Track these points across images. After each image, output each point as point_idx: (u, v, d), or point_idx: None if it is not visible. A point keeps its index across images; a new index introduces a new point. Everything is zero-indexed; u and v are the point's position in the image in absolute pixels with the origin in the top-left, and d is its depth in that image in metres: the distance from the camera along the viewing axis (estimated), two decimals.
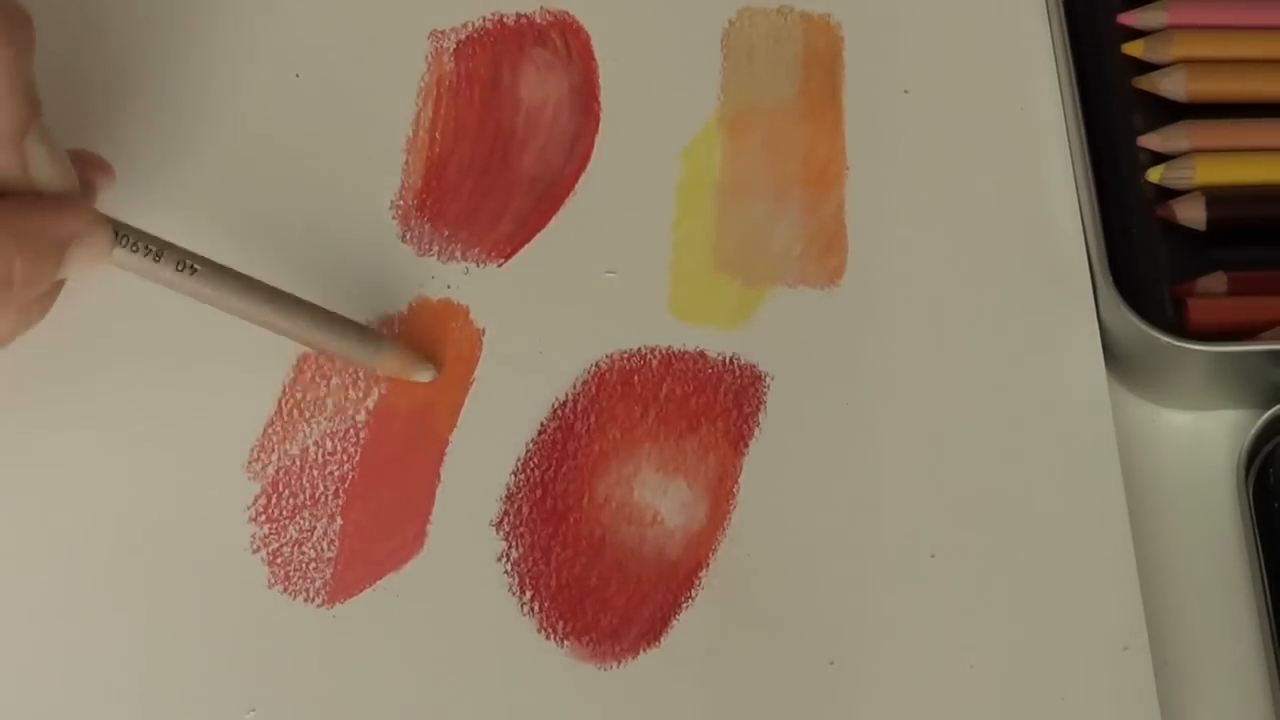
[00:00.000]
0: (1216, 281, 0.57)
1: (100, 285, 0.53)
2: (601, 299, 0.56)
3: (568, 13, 0.60)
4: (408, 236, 0.56)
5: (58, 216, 0.48)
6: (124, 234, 0.50)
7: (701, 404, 0.55)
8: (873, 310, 0.57)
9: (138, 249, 0.50)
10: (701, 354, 0.56)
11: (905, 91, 0.60)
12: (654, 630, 0.52)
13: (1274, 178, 0.58)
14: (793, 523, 0.53)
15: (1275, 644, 0.53)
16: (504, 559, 0.52)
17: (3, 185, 0.47)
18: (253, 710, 0.50)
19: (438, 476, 0.53)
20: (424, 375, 0.54)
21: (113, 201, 0.52)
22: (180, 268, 0.50)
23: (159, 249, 0.50)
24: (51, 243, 0.48)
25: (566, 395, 0.55)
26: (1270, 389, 0.56)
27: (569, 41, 0.60)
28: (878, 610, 0.52)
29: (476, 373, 0.55)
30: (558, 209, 0.57)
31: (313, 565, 0.51)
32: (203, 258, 0.50)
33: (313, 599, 0.51)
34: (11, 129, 0.46)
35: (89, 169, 0.52)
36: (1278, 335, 0.56)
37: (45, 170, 0.48)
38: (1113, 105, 0.61)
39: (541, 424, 0.54)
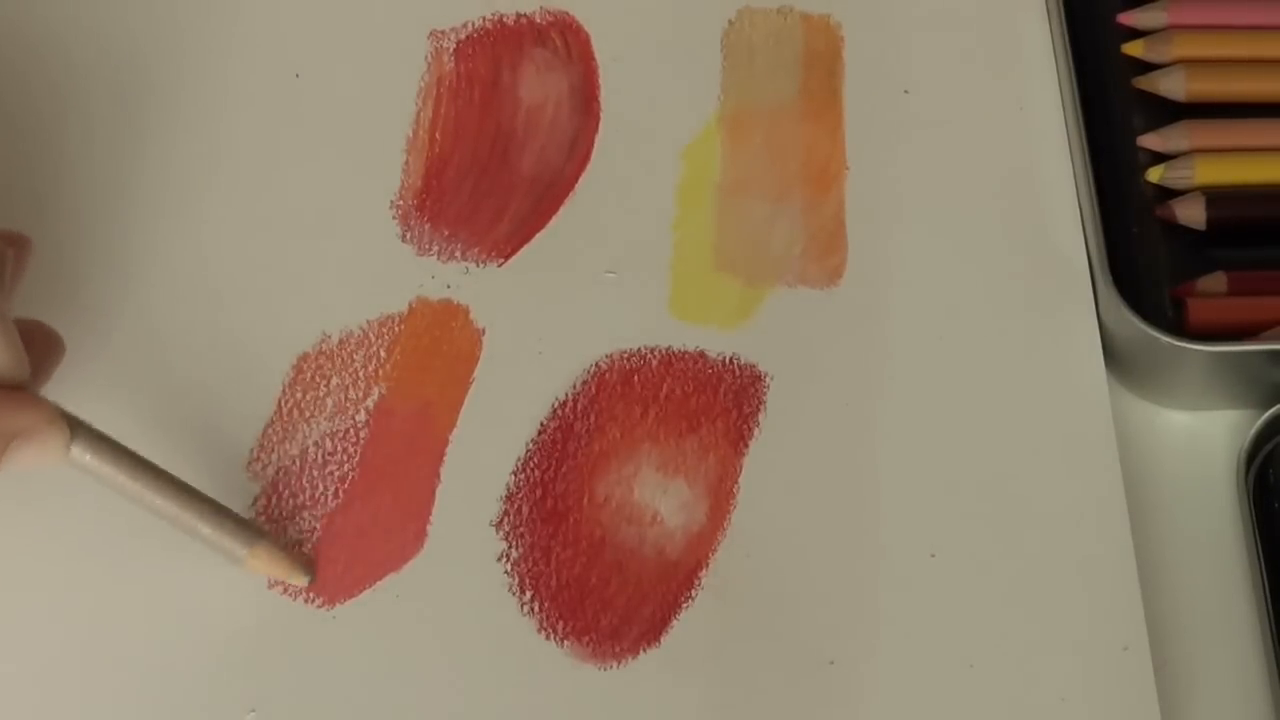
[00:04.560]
0: (1216, 281, 0.57)
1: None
2: (601, 299, 0.56)
3: (568, 13, 0.60)
4: (408, 236, 0.56)
5: (7, 410, 0.44)
6: (81, 435, 0.46)
7: (701, 404, 0.55)
8: (873, 310, 0.57)
9: (97, 453, 0.46)
10: (701, 354, 0.56)
11: (905, 91, 0.60)
12: (654, 630, 0.52)
13: (1274, 178, 0.58)
14: (793, 523, 0.53)
15: (1275, 644, 0.53)
16: (504, 559, 0.52)
17: None
18: (253, 710, 0.50)
19: (438, 476, 0.53)
20: (300, 579, 0.51)
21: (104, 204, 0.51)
22: (133, 476, 0.47)
23: (118, 455, 0.46)
24: None
25: (566, 395, 0.55)
26: (1270, 389, 0.56)
27: (569, 41, 0.60)
28: (878, 610, 0.52)
29: (476, 373, 0.55)
30: (558, 209, 0.57)
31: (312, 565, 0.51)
32: (151, 465, 0.48)
33: (313, 599, 0.51)
34: None
35: (39, 344, 0.47)
36: (1278, 335, 0.56)
37: None
38: (1113, 105, 0.61)
39: (541, 424, 0.54)
